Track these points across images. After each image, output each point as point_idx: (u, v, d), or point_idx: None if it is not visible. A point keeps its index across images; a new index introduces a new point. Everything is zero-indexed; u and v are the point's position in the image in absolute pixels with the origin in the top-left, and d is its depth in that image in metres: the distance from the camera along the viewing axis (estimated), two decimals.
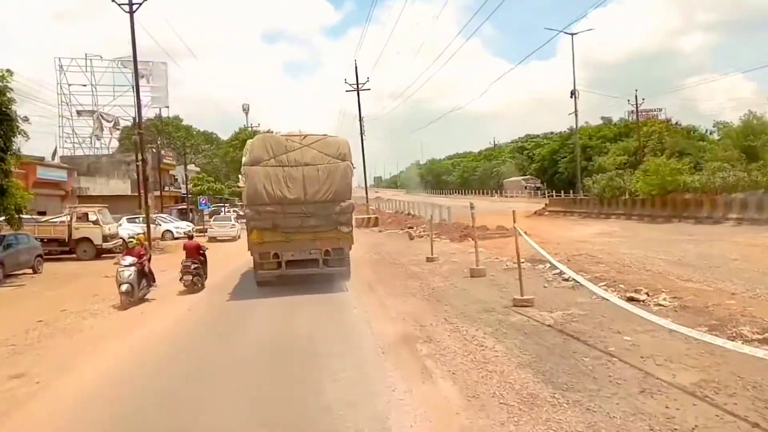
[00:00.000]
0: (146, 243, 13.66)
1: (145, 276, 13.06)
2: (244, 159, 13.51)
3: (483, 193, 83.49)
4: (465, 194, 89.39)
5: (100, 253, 22.88)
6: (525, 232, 24.68)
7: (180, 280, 14.12)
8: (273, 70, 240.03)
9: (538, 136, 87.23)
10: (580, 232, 25.17)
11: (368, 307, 11.26)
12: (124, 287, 12.21)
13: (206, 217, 46.89)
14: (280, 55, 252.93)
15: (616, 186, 33.15)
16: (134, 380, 7.33)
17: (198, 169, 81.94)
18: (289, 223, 13.11)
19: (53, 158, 41.44)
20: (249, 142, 14.12)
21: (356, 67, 40.80)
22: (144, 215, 30.38)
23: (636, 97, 56.59)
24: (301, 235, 13.20)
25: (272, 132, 72.19)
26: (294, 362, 7.75)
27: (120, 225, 27.59)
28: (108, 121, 64.94)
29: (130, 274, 12.34)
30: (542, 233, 23.08)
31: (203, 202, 42.95)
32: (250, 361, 7.96)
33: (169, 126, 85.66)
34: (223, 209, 68.26)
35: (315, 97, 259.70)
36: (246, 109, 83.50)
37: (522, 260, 16.25)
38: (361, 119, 39.90)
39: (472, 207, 14.67)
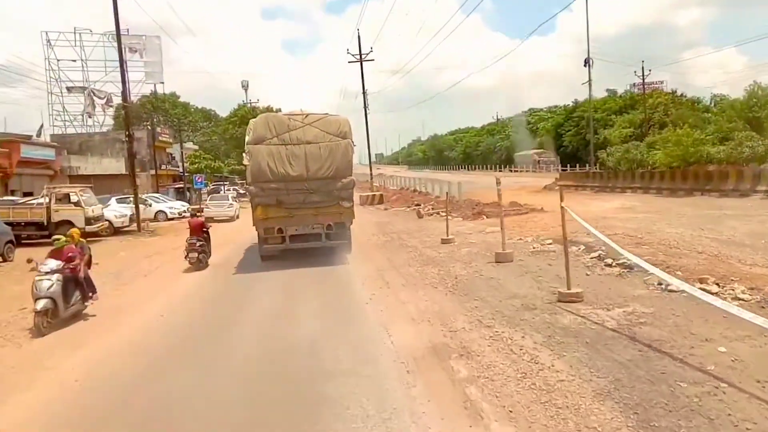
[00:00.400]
0: (82, 240, 10.23)
1: (79, 286, 9.41)
2: (247, 138, 13.69)
3: (487, 168, 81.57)
4: (469, 170, 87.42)
5: (84, 237, 21.01)
6: (541, 209, 23.00)
7: (185, 257, 13.94)
8: (272, 47, 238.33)
9: (541, 110, 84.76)
10: (599, 207, 23.36)
11: (382, 303, 9.44)
12: (40, 304, 8.54)
13: (204, 196, 45.09)
14: (280, 31, 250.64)
15: (633, 158, 31.16)
16: None
17: (196, 147, 79.92)
18: (293, 199, 13.48)
19: (39, 136, 39.30)
20: (252, 121, 14.48)
21: (359, 37, 38.34)
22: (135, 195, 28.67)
23: (642, 68, 54.40)
24: (304, 211, 13.59)
25: (272, 108, 70.01)
26: (292, 392, 5.85)
27: (108, 206, 25.72)
28: (100, 98, 62.53)
29: (51, 285, 8.68)
30: (558, 209, 21.27)
31: (199, 180, 40.93)
32: (234, 392, 5.96)
33: (165, 103, 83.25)
34: (222, 188, 66.54)
35: (315, 74, 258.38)
36: (245, 86, 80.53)
37: (548, 241, 14.73)
38: (364, 92, 37.84)
39: (498, 183, 12.76)
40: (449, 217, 21.73)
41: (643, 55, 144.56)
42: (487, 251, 13.60)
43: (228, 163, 79.44)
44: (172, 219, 29.89)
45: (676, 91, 58.39)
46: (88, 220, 20.51)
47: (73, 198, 20.40)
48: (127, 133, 24.24)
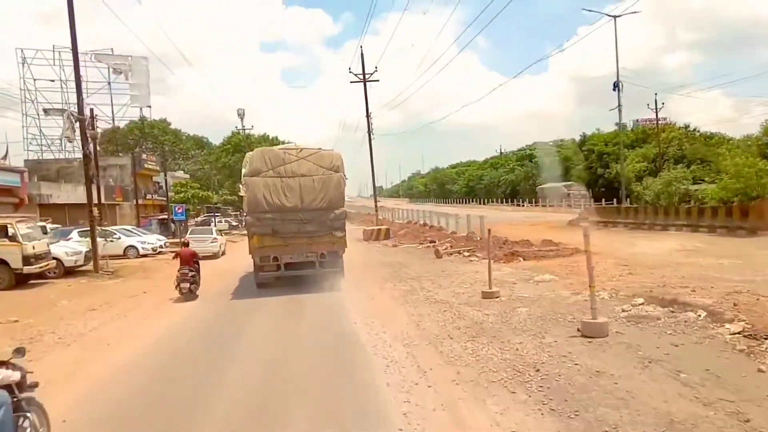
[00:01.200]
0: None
1: None
2: (244, 170, 14.44)
3: (492, 202, 77.82)
4: (473, 203, 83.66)
5: (23, 279, 16.84)
6: (574, 251, 18.99)
7: (176, 287, 13.85)
8: (271, 80, 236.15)
9: (547, 143, 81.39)
10: (654, 249, 19.32)
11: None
12: None
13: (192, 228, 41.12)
14: (279, 65, 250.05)
15: (675, 192, 27.29)
16: None
17: (187, 176, 76.11)
18: (287, 229, 14.05)
19: (4, 160, 35.35)
20: (249, 154, 15.08)
21: (362, 55, 34.67)
22: (102, 227, 24.53)
23: (656, 102, 51.22)
24: (299, 240, 14.14)
25: (267, 136, 66.27)
26: None
27: (68, 239, 21.60)
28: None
29: None
30: (607, 250, 17.29)
31: (179, 211, 36.84)
32: None
33: (155, 129, 79.72)
34: (213, 219, 62.49)
35: (314, 107, 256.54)
36: (241, 114, 77.04)
37: (639, 300, 10.62)
38: (368, 114, 34.12)
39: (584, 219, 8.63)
40: (475, 258, 17.78)
41: (633, 96, 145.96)
42: (555, 314, 9.60)
43: (221, 194, 75.75)
44: (144, 256, 25.67)
45: (688, 126, 55.12)
46: (27, 259, 16.28)
47: (10, 231, 16.23)
48: (84, 152, 20.29)
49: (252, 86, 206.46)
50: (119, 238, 25.73)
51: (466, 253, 18.87)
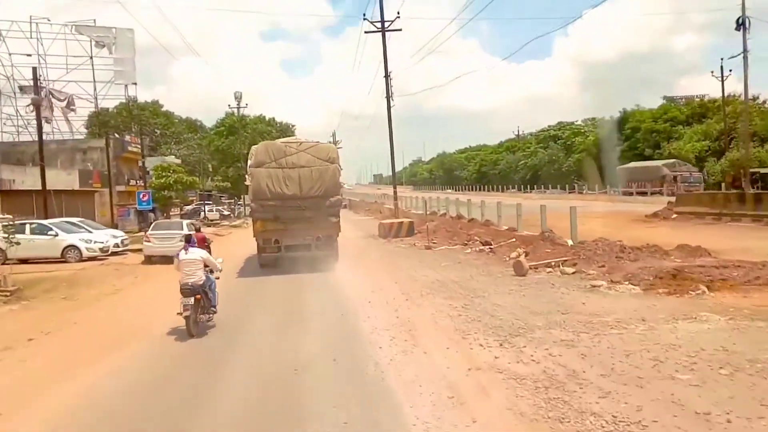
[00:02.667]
0: None
1: None
2: (249, 162, 16.01)
3: (510, 189, 70.56)
4: (486, 190, 76.50)
5: None
6: (703, 252, 11.85)
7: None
8: (271, 69, 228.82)
9: (574, 123, 74.24)
10: None
11: None
12: None
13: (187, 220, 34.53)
14: (279, 53, 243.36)
15: None
16: None
17: (179, 161, 69.10)
18: (288, 215, 15.32)
19: None
20: (254, 147, 16.74)
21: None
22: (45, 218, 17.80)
23: (722, 69, 43.80)
24: (298, 224, 15.35)
25: (264, 117, 59.07)
26: None
27: None
28: (59, 100, 51.75)
29: None
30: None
31: (144, 198, 30.02)
32: None
33: (145, 111, 72.56)
34: (203, 209, 55.59)
35: (314, 95, 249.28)
36: (238, 97, 69.73)
37: None
38: (387, 75, 26.83)
39: None
40: (601, 283, 10.82)
41: (640, 80, 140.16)
42: None
43: (214, 180, 68.68)
44: (92, 258, 18.77)
45: (757, 98, 47.56)
46: None
47: None
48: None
49: (252, 75, 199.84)
50: (56, 234, 18.77)
51: (569, 269, 11.97)
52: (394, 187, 28.42)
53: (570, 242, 14.58)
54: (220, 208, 54.80)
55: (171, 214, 42.03)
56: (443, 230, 23.20)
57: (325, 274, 14.64)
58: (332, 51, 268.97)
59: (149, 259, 18.75)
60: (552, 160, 66.63)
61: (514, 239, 16.83)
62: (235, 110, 54.75)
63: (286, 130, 61.75)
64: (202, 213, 53.26)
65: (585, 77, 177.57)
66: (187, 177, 40.94)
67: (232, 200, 62.43)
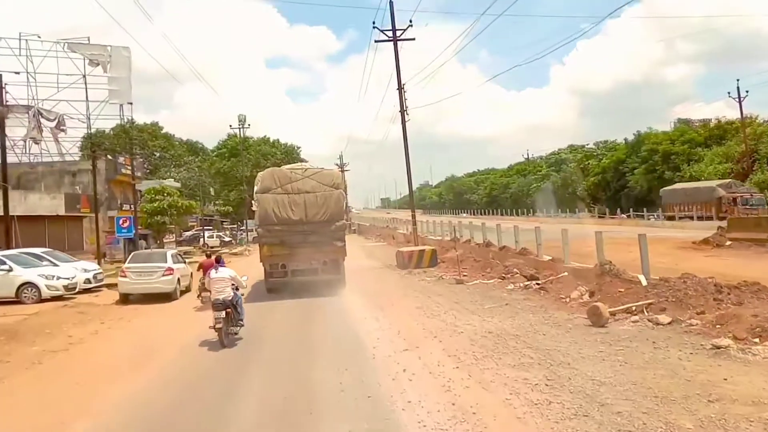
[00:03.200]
0: None
1: None
2: (256, 188, 15.96)
3: (523, 213, 67.65)
4: (497, 214, 73.60)
5: None
6: None
7: (198, 297, 14.48)
8: (277, 96, 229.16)
9: (584, 146, 71.61)
10: None
11: None
12: None
13: (175, 249, 31.75)
14: (284, 81, 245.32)
15: None
16: None
17: (177, 185, 66.60)
18: (294, 240, 15.50)
19: None
20: (260, 174, 16.63)
21: (391, 5, 24.54)
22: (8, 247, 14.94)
23: (738, 90, 41.29)
24: (304, 249, 15.48)
25: (268, 138, 56.85)
26: None
27: None
28: (49, 120, 49.46)
29: None
30: None
31: (124, 225, 27.21)
32: None
33: (143, 133, 70.38)
34: (203, 235, 52.82)
35: (320, 121, 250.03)
36: (242, 120, 67.38)
37: None
38: (401, 86, 24.07)
39: None
40: (708, 340, 7.88)
41: (637, 109, 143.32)
42: None
43: (215, 204, 66.12)
44: (57, 299, 15.74)
45: None
46: None
47: None
48: None
49: (257, 103, 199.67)
50: (9, 269, 15.64)
51: (661, 318, 9.02)
52: (413, 210, 25.61)
53: (643, 279, 11.59)
54: (221, 233, 52.02)
55: (166, 241, 39.20)
56: (471, 260, 20.26)
57: (341, 319, 11.80)
58: (337, 78, 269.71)
59: (125, 299, 15.69)
60: (566, 183, 63.81)
61: (565, 273, 13.84)
62: (238, 128, 52.12)
63: (290, 152, 59.43)
64: (202, 239, 50.66)
65: (582, 105, 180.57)
66: (182, 201, 38.19)
67: (235, 225, 59.64)
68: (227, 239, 49.72)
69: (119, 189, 47.69)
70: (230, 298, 9.63)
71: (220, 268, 10.08)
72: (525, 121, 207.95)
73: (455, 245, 22.93)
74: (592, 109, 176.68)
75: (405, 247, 23.30)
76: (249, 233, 51.38)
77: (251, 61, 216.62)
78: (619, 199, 53.64)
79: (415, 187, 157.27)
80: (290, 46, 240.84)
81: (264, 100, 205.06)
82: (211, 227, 59.76)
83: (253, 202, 16.51)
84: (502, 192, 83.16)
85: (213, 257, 13.03)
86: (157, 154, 71.07)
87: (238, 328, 9.95)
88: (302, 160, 64.90)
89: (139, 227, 37.73)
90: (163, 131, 73.27)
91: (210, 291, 9.95)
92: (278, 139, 61.04)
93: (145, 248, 36.52)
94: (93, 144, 56.47)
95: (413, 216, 24.95)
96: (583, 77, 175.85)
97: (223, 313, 9.38)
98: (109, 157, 47.73)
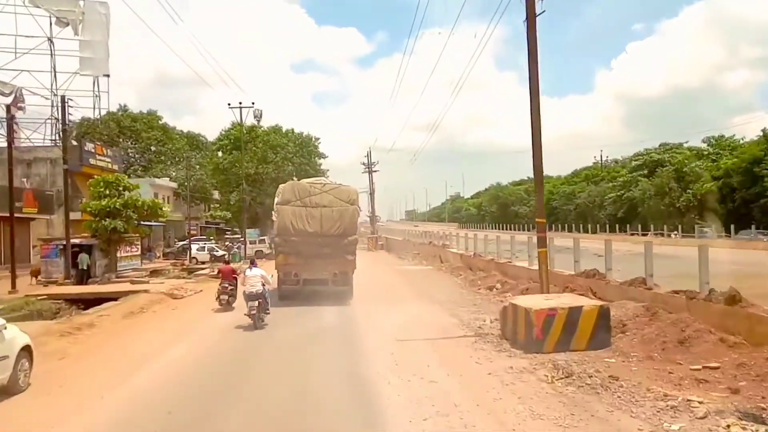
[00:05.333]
0: None
1: None
2: (276, 199, 17.05)
3: (600, 230, 54.84)
4: (566, 230, 60.79)
5: None
6: None
7: (216, 299, 15.89)
8: (302, 100, 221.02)
9: (682, 144, 58.46)
10: None
11: None
12: None
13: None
14: (310, 85, 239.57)
15: None
16: None
17: (174, 184, 55.86)
18: (308, 250, 16.27)
19: None
20: (281, 186, 17.74)
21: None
22: None
23: None
24: (317, 260, 16.32)
25: (280, 127, 45.77)
26: None
27: None
28: (5, 94, 39.04)
29: None
30: None
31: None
32: None
33: (137, 123, 59.91)
34: (195, 246, 41.65)
35: (343, 129, 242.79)
36: (258, 116, 55.96)
37: None
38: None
39: None
40: None
41: (689, 119, 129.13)
42: None
43: (212, 208, 55.06)
44: None
45: None
46: None
47: None
48: None
49: (282, 106, 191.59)
50: None
51: None
52: (542, 229, 13.11)
53: None
54: (215, 245, 40.77)
55: (123, 255, 27.91)
56: (670, 327, 8.18)
57: None
58: (364, 83, 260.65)
59: None
60: (661, 191, 50.93)
61: None
62: (245, 119, 40.70)
63: (306, 144, 47.96)
64: (190, 252, 39.65)
65: (629, 113, 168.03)
66: (146, 200, 26.86)
67: (235, 235, 48.25)
68: (220, 252, 38.21)
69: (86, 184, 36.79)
70: (260, 291, 12.95)
71: (254, 268, 13.56)
72: (567, 130, 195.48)
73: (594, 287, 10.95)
74: (640, 117, 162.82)
75: (526, 300, 11.05)
76: (251, 245, 40.02)
77: (277, 63, 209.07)
78: (748, 212, 40.67)
79: (444, 198, 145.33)
80: (318, 48, 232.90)
81: (289, 104, 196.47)
82: (203, 237, 48.68)
83: (273, 213, 17.43)
84: (564, 203, 70.40)
85: (228, 265, 18.16)
86: (153, 148, 60.46)
87: (266, 314, 13.18)
88: (321, 155, 54.01)
89: (84, 235, 26.59)
90: (162, 122, 62.64)
91: (244, 285, 13.19)
92: (292, 129, 49.58)
93: (87, 266, 25.36)
94: (85, 132, 46.42)
95: (543, 233, 12.64)
96: (631, 82, 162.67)
97: (256, 302, 12.82)
98: (74, 142, 37.04)
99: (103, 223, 24.64)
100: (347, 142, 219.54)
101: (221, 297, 15.63)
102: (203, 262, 37.60)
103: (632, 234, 48.71)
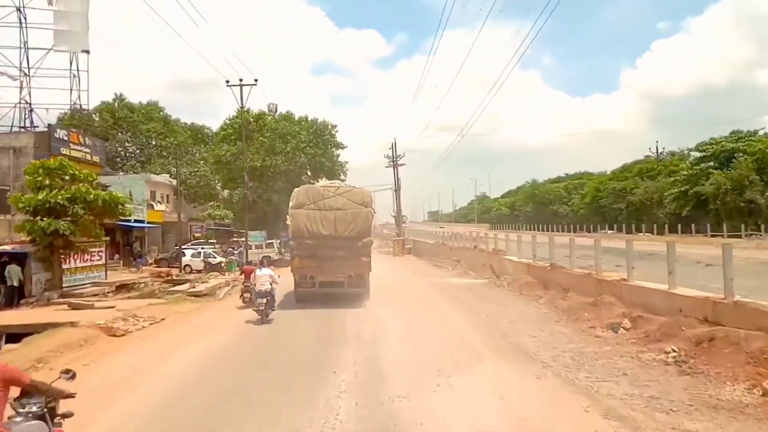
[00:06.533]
0: None
1: None
2: (291, 203, 17.19)
3: (662, 232, 47.62)
4: (621, 231, 53.50)
5: None
6: None
7: (240, 297, 16.81)
8: (321, 102, 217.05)
9: (757, 132, 50.79)
10: None
11: None
12: None
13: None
14: (329, 87, 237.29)
15: None
16: None
17: (172, 181, 49.79)
18: (323, 253, 16.50)
19: None
20: (296, 190, 17.80)
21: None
22: None
23: None
24: (332, 263, 16.51)
25: (291, 113, 39.65)
26: None
27: None
28: None
29: None
30: None
31: None
32: None
33: (135, 113, 54.02)
34: (189, 252, 35.47)
35: (362, 130, 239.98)
36: (273, 110, 49.52)
37: None
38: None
39: None
40: None
41: (718, 118, 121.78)
42: None
43: (212, 207, 48.69)
44: None
45: None
46: None
47: None
48: None
49: (301, 107, 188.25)
50: None
51: None
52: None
53: None
54: (212, 251, 34.47)
55: (83, 265, 21.62)
56: None
57: None
58: (383, 85, 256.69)
59: None
60: (742, 185, 43.36)
61: None
62: (246, 100, 34.26)
63: (320, 132, 41.24)
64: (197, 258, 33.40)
65: (655, 112, 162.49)
66: (97, 192, 20.48)
67: (241, 237, 41.57)
68: (216, 260, 31.84)
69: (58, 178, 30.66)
70: (268, 289, 14.18)
71: (263, 268, 14.84)
72: (591, 129, 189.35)
73: None
74: (667, 116, 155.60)
75: None
76: (254, 251, 33.61)
77: (297, 66, 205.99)
78: None
79: (470, 199, 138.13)
80: (337, 50, 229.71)
81: (308, 105, 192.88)
82: (202, 241, 42.55)
83: (288, 216, 17.55)
84: (613, 201, 62.80)
85: (250, 266, 18.73)
86: (153, 142, 54.56)
87: (272, 311, 14.44)
88: (338, 145, 46.86)
89: (15, 240, 20.42)
90: (162, 113, 56.67)
91: (254, 283, 14.50)
92: (306, 116, 42.98)
93: (19, 282, 19.13)
94: (75, 124, 40.51)
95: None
96: (656, 81, 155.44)
97: (264, 300, 13.99)
98: (38, 127, 31.13)
99: (40, 223, 18.38)
100: (366, 144, 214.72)
101: (245, 295, 16.34)
102: (199, 271, 31.39)
103: (707, 235, 41.41)
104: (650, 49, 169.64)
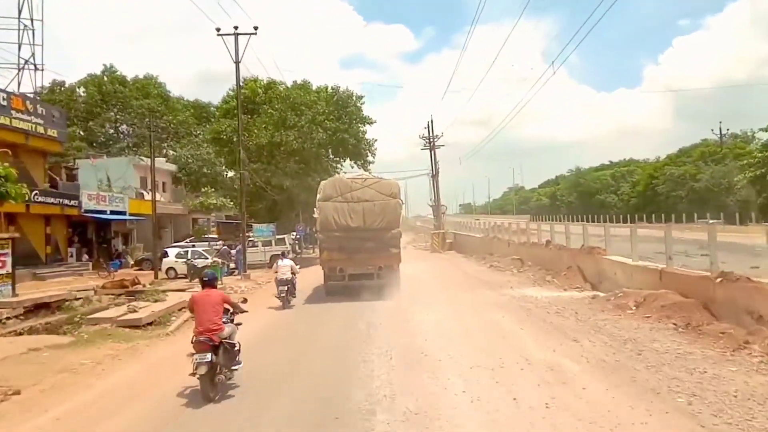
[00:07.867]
0: None
1: None
2: (318, 196, 17.36)
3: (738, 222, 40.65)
4: (673, 222, 46.62)
5: None
6: None
7: (276, 295, 16.39)
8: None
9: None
10: None
11: None
12: None
13: None
14: (358, 81, 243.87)
15: None
16: None
17: (172, 166, 43.98)
18: (352, 246, 16.65)
19: None
20: (322, 183, 18.10)
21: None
22: None
23: None
24: (361, 255, 16.71)
25: (308, 82, 33.26)
26: None
27: None
28: None
29: None
30: None
31: None
32: None
33: (127, 88, 48.29)
34: (173, 252, 28.90)
35: (392, 124, 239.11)
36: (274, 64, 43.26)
37: None
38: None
39: None
40: None
41: (740, 113, 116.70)
42: None
43: (208, 196, 42.25)
44: None
45: None
46: None
47: None
48: None
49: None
50: None
51: None
52: None
53: None
54: (202, 250, 28.15)
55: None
56: None
57: None
58: (412, 82, 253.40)
59: None
60: None
61: None
62: (244, 52, 28.22)
63: (344, 103, 34.98)
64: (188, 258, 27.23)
65: (677, 107, 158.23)
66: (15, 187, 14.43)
67: (249, 232, 35.18)
68: (206, 261, 25.48)
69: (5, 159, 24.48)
70: (290, 278, 15.59)
71: (285, 259, 16.36)
72: (618, 124, 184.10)
73: None
74: (685, 111, 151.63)
75: None
76: (264, 247, 27.47)
77: (325, 59, 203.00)
78: None
79: (504, 190, 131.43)
80: (365, 44, 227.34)
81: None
82: (207, 236, 36.62)
83: (315, 209, 17.70)
84: (672, 188, 55.83)
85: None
86: (147, 119, 48.68)
87: (294, 298, 15.99)
88: (366, 119, 40.22)
89: None
90: (161, 89, 50.85)
91: (276, 273, 15.89)
92: (326, 85, 36.67)
93: None
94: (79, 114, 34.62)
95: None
96: (677, 75, 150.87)
97: (285, 288, 15.47)
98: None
99: None
100: (394, 138, 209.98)
101: (280, 288, 16.15)
102: (185, 276, 25.22)
103: None
104: (671, 45, 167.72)
